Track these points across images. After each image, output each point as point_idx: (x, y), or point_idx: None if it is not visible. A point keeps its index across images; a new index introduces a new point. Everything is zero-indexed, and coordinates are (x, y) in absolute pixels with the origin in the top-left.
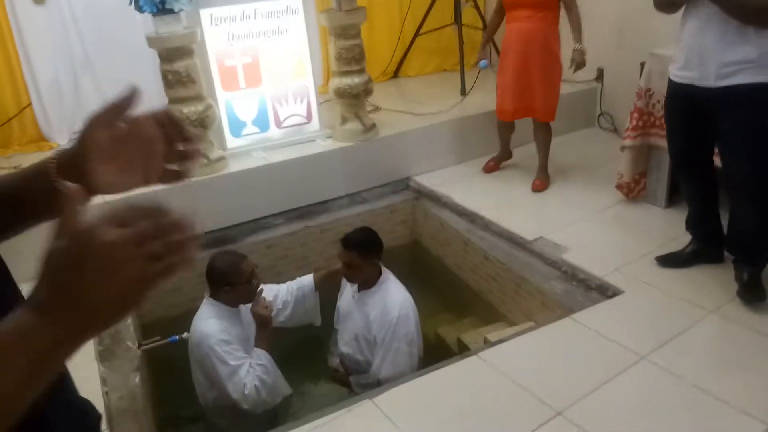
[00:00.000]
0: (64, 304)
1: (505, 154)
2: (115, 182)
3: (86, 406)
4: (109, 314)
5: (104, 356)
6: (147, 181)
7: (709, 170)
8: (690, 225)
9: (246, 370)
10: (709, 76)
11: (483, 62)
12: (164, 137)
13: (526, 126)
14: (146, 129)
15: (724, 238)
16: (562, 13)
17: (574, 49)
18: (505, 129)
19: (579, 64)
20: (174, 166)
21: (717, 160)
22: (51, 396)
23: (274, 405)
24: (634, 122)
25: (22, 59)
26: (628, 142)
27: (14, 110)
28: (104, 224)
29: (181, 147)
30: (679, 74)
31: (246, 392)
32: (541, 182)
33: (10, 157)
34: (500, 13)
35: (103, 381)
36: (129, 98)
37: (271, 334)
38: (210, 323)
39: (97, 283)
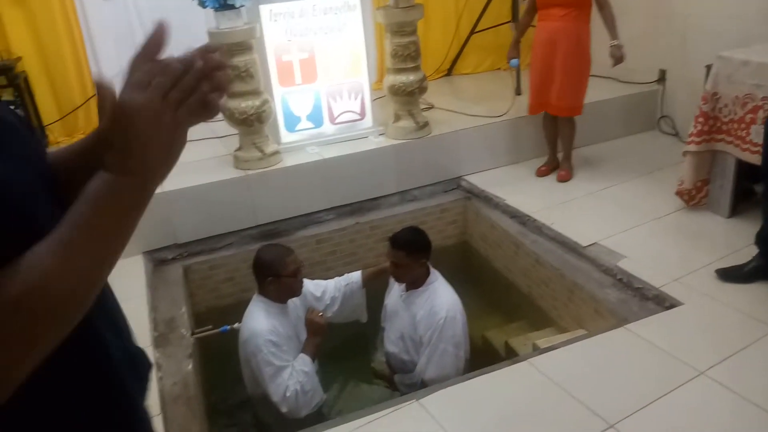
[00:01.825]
0: (129, 160)
1: (553, 161)
2: None
3: (140, 353)
4: (164, 158)
5: (159, 342)
6: None
7: None
8: (760, 240)
9: (289, 373)
10: None
11: (514, 61)
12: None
13: (580, 128)
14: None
15: None
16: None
17: (611, 46)
18: (552, 128)
19: (618, 58)
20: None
21: None
22: (115, 339)
23: (309, 412)
24: (699, 127)
25: (89, 51)
26: (691, 147)
27: (80, 100)
28: (132, 93)
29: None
30: None
31: (287, 395)
32: (566, 172)
33: None
34: (531, 12)
35: (158, 367)
36: (160, 34)
37: (320, 344)
38: (259, 322)
39: (146, 138)
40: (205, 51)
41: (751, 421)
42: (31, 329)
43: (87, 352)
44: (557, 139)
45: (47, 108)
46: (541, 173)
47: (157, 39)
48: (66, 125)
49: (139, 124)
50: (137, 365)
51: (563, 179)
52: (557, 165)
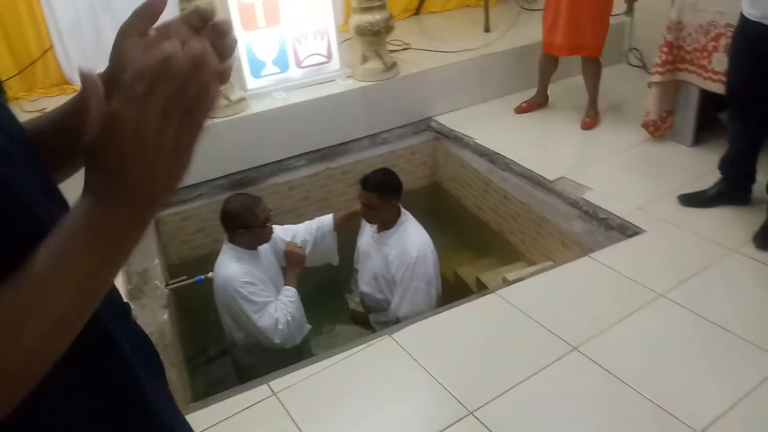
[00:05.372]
0: (118, 183)
1: (542, 97)
2: None
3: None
4: (163, 181)
5: (134, 294)
6: None
7: (765, 113)
8: (725, 165)
9: (275, 307)
10: None
11: None
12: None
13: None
14: (177, 33)
15: (754, 181)
16: None
17: None
18: (548, 66)
19: None
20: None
21: None
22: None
23: (298, 342)
24: (664, 57)
25: (43, 0)
26: (656, 77)
27: (37, 53)
28: (126, 103)
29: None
30: (750, 11)
31: (279, 327)
32: (592, 119)
33: (36, 100)
34: None
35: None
36: (156, 4)
37: (301, 273)
38: (232, 267)
39: (141, 160)
40: (214, 27)
41: (709, 338)
42: None
43: None
44: (550, 78)
45: (3, 63)
46: (521, 110)
47: (154, 6)
48: (24, 79)
49: (134, 143)
50: (119, 310)
51: (588, 126)
52: (542, 103)
